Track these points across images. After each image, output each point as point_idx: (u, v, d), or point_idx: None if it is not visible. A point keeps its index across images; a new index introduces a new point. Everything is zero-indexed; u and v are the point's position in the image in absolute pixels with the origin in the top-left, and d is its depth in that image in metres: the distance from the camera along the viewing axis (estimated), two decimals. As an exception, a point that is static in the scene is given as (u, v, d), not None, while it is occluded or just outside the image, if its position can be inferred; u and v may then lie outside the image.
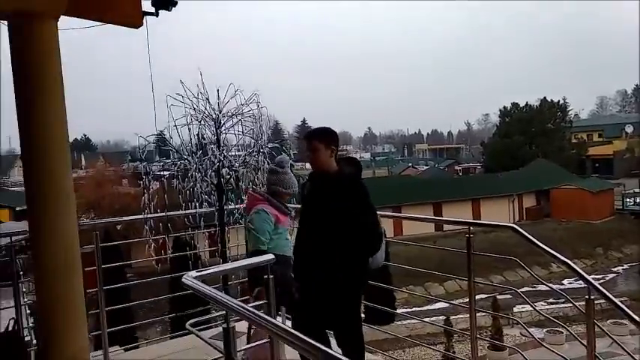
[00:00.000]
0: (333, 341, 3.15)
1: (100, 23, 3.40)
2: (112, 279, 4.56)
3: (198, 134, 4.43)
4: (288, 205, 3.96)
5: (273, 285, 2.45)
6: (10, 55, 3.22)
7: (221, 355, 2.02)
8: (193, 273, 2.19)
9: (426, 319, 16.15)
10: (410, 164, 69.90)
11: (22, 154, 3.44)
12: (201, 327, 4.05)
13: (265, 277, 2.42)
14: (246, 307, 1.80)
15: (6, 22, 3.21)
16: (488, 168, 50.41)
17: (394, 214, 11.24)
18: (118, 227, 18.35)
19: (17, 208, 34.16)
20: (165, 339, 5.92)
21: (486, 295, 15.37)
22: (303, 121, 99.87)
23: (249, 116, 4.40)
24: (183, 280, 2.12)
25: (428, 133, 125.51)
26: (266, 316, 1.80)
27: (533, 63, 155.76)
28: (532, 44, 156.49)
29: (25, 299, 4.26)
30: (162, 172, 4.67)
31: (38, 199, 3.47)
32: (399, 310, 17.14)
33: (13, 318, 3.66)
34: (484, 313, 13.82)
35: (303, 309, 3.19)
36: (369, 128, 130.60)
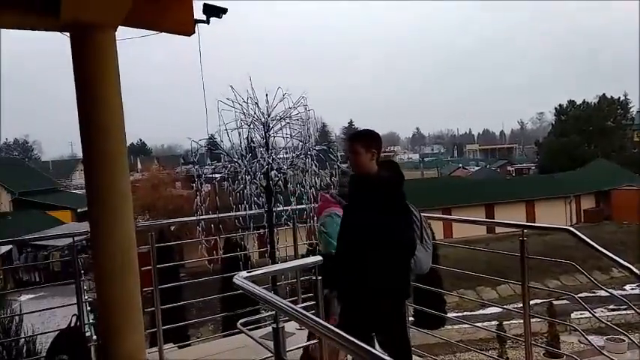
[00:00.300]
0: (376, 346, 3.13)
1: (155, 32, 3.53)
2: (166, 278, 4.70)
3: (247, 138, 4.51)
4: None
5: (321, 286, 2.46)
6: (72, 64, 3.41)
7: (271, 354, 2.05)
8: (244, 273, 2.23)
9: (478, 324, 15.71)
10: (460, 165, 68.40)
11: (84, 159, 3.62)
12: (252, 326, 4.12)
13: (314, 278, 2.44)
14: (295, 307, 1.82)
15: (68, 34, 3.40)
16: (544, 168, 48.57)
17: (443, 216, 11.02)
18: (172, 228, 18.98)
19: (78, 210, 35.94)
20: (216, 338, 6.05)
21: (542, 300, 14.81)
22: (350, 123, 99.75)
23: (297, 119, 4.44)
24: (234, 280, 2.17)
25: (479, 133, 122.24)
26: (315, 317, 1.82)
27: (592, 59, 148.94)
28: (591, 38, 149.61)
29: (86, 297, 4.46)
30: (213, 175, 4.78)
31: (98, 201, 3.64)
32: (449, 314, 16.79)
33: (75, 314, 3.84)
34: (539, 319, 13.31)
35: (348, 311, 3.19)
36: (417, 129, 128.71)
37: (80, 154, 3.80)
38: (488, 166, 64.08)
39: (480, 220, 11.47)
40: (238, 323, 2.42)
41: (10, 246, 25.33)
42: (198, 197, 4.37)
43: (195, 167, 4.56)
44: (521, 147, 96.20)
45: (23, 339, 6.65)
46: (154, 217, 25.82)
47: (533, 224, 3.89)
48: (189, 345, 6.02)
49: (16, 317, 7.14)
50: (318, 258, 2.58)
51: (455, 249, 18.61)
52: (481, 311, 20.87)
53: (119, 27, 3.41)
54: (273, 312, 2.02)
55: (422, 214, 3.50)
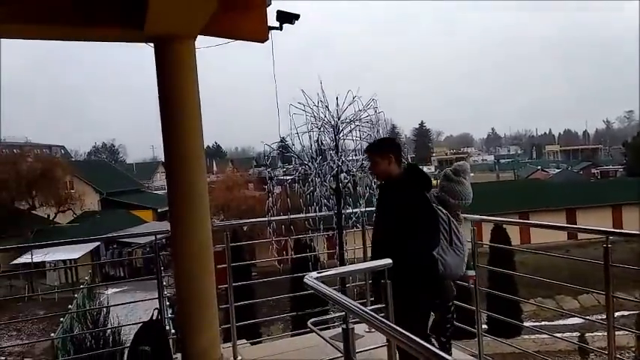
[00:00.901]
0: None
1: (231, 40, 3.69)
2: (239, 277, 4.86)
3: (317, 140, 4.58)
4: (466, 215, 3.96)
5: (391, 289, 2.45)
6: (155, 72, 3.64)
7: (341, 354, 2.08)
8: (314, 274, 2.27)
9: (558, 335, 14.88)
10: (539, 167, 65.03)
11: (165, 161, 3.85)
12: (321, 327, 4.17)
13: (382, 281, 2.43)
14: (365, 309, 1.83)
15: (152, 44, 3.63)
16: (632, 170, 45.14)
17: (520, 220, 10.56)
18: (244, 228, 19.59)
19: (159, 210, 38.05)
20: (285, 336, 6.18)
21: (629, 313, 13.78)
22: (421, 124, 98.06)
23: (367, 122, 4.45)
24: (305, 280, 2.22)
25: (560, 133, 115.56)
26: (384, 319, 1.82)
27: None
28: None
29: (166, 292, 4.70)
30: (284, 177, 4.90)
31: (178, 201, 3.84)
32: (526, 323, 16.03)
33: (156, 308, 4.07)
34: (626, 332, 12.39)
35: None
36: (492, 129, 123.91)
37: (161, 157, 4.03)
38: (570, 169, 60.53)
39: (559, 226, 10.80)
40: (309, 322, 2.47)
41: (99, 242, 27.25)
42: (270, 199, 4.50)
43: (268, 170, 4.70)
44: (607, 148, 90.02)
45: (110, 329, 7.14)
46: (228, 217, 26.78)
47: (618, 230, 3.63)
48: (260, 342, 6.19)
49: (104, 309, 7.68)
50: (388, 261, 2.57)
51: (533, 255, 17.74)
52: (560, 321, 19.76)
53: (198, 36, 3.58)
54: (343, 313, 2.04)
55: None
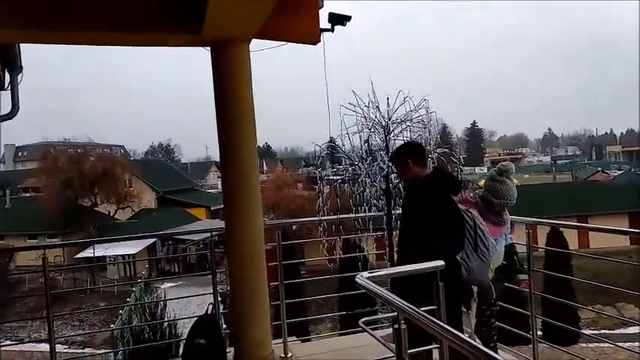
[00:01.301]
0: None
1: (284, 43, 3.77)
2: (288, 275, 4.94)
3: (367, 141, 4.59)
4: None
5: (443, 290, 2.44)
6: (212, 75, 3.77)
7: (392, 355, 2.09)
8: (366, 274, 2.30)
9: (620, 344, 14.13)
10: (599, 169, 61.93)
11: (220, 161, 3.98)
12: (372, 327, 4.19)
13: (434, 283, 2.43)
14: (418, 310, 1.84)
15: (209, 48, 3.76)
16: None
17: (577, 224, 10.14)
18: (293, 227, 19.84)
19: (212, 208, 39.12)
20: (334, 335, 6.22)
21: (700, 324, 12.90)
22: (473, 124, 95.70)
23: (418, 122, 4.43)
24: (356, 279, 2.25)
25: (622, 133, 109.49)
26: (436, 320, 1.82)
27: None
28: None
29: (218, 288, 4.84)
30: (334, 177, 4.95)
31: (232, 200, 3.96)
32: (584, 331, 15.34)
33: (211, 303, 4.21)
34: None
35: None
36: (549, 129, 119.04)
37: (214, 157, 4.17)
38: (633, 170, 57.29)
39: (621, 230, 10.24)
40: (360, 322, 2.49)
41: (156, 239, 28.33)
42: (320, 199, 4.56)
43: (318, 170, 4.76)
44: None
45: (166, 322, 7.42)
46: (277, 216, 27.18)
47: (687, 236, 3.43)
48: (309, 340, 6.28)
49: (161, 302, 8.00)
50: (441, 262, 2.56)
51: (592, 260, 16.98)
52: (622, 330, 18.77)
53: (252, 39, 3.69)
54: (394, 313, 2.06)
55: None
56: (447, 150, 4.66)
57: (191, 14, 3.37)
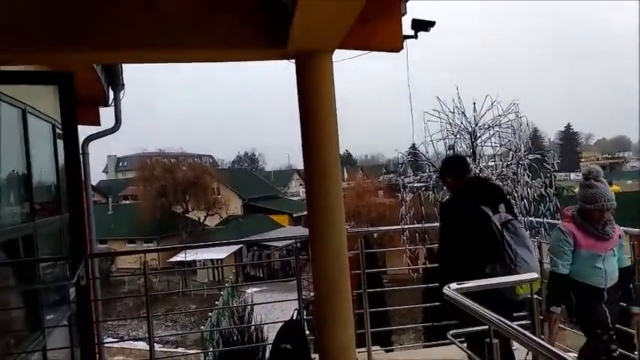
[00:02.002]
0: None
1: (366, 52, 3.78)
2: (371, 283, 4.92)
3: (453, 147, 4.48)
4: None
5: (537, 305, 2.31)
6: (296, 86, 3.87)
7: (481, 369, 2.01)
8: (454, 285, 2.23)
9: None
10: None
11: (304, 169, 4.06)
12: (459, 339, 4.05)
13: (529, 296, 2.30)
14: (512, 324, 1.76)
15: (293, 60, 3.87)
16: None
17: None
18: (375, 235, 19.72)
19: (294, 215, 39.98)
20: (418, 346, 6.09)
21: None
22: (568, 127, 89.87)
23: (507, 127, 4.25)
24: (444, 291, 2.19)
25: None
26: (531, 335, 1.73)
27: None
28: None
29: (302, 294, 4.92)
30: (417, 185, 4.87)
31: (315, 207, 4.02)
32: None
33: (296, 309, 4.29)
34: None
35: None
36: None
37: (295, 165, 4.26)
38: None
39: None
40: (449, 334, 2.43)
41: (242, 245, 29.43)
42: (403, 207, 4.51)
43: (401, 177, 4.71)
44: None
45: (253, 326, 7.67)
46: (358, 223, 27.15)
47: None
48: (392, 350, 6.18)
49: (248, 307, 8.28)
50: (534, 275, 2.43)
51: None
52: None
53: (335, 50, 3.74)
54: (485, 326, 1.98)
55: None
56: (538, 156, 4.42)
57: (276, 28, 3.49)
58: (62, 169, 4.68)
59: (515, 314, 3.39)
